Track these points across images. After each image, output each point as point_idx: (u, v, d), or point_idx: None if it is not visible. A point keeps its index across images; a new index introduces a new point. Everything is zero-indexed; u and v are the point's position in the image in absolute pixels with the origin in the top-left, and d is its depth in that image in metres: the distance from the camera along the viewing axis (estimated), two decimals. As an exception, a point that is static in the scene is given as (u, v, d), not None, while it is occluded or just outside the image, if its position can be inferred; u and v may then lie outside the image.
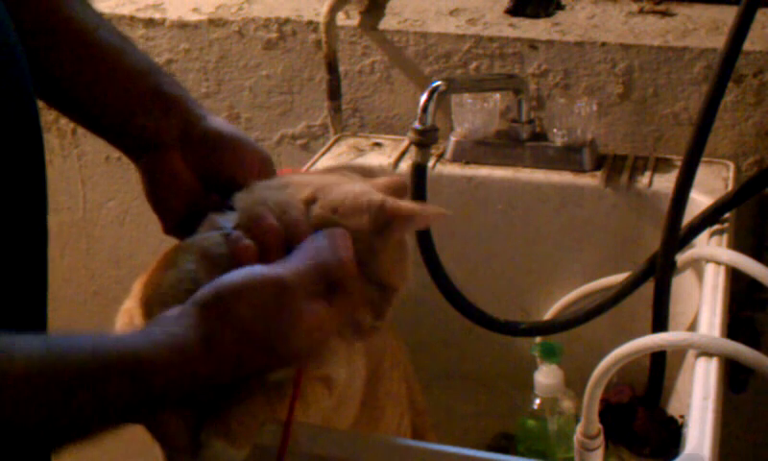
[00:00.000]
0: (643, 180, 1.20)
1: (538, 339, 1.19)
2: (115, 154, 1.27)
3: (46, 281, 0.69)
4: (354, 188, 0.71)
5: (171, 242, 0.78)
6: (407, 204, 0.71)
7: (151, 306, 0.72)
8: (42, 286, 0.68)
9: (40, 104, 0.68)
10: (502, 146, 1.24)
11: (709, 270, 0.99)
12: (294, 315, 0.61)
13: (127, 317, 0.75)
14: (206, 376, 0.60)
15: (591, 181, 1.20)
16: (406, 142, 1.29)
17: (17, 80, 0.63)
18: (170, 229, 0.78)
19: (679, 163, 1.01)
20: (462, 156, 1.26)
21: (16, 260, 0.64)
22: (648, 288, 1.06)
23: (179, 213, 0.77)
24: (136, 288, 0.76)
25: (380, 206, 0.69)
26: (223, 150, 0.77)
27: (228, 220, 0.70)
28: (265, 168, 0.79)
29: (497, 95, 1.25)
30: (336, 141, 1.34)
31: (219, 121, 0.79)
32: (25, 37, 0.64)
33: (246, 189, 0.73)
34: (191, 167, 0.77)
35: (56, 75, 0.73)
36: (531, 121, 1.24)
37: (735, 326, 1.21)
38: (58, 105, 0.76)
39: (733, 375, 1.24)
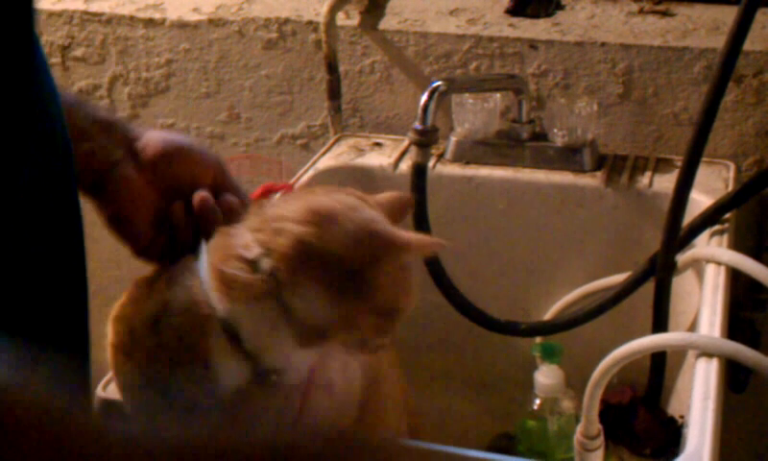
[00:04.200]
0: (643, 180, 1.20)
1: (538, 339, 1.19)
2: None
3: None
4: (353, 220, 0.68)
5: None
6: (402, 234, 0.68)
7: (143, 341, 0.71)
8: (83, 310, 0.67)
9: None
10: (502, 146, 1.24)
11: (710, 270, 0.99)
12: None
13: (119, 357, 0.75)
14: None
15: (592, 181, 1.20)
16: (406, 142, 1.29)
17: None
18: (140, 251, 0.76)
19: (679, 163, 1.01)
20: (462, 156, 1.26)
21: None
22: (648, 288, 1.06)
23: (146, 234, 0.75)
24: (117, 310, 0.75)
25: (374, 235, 0.67)
26: (175, 158, 0.75)
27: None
28: (219, 172, 0.77)
29: (497, 95, 1.24)
30: (336, 141, 1.34)
31: (161, 132, 0.77)
32: None
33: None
34: (146, 182, 0.75)
35: None
36: (531, 121, 1.24)
37: (735, 326, 1.21)
38: None
39: (733, 375, 1.24)
